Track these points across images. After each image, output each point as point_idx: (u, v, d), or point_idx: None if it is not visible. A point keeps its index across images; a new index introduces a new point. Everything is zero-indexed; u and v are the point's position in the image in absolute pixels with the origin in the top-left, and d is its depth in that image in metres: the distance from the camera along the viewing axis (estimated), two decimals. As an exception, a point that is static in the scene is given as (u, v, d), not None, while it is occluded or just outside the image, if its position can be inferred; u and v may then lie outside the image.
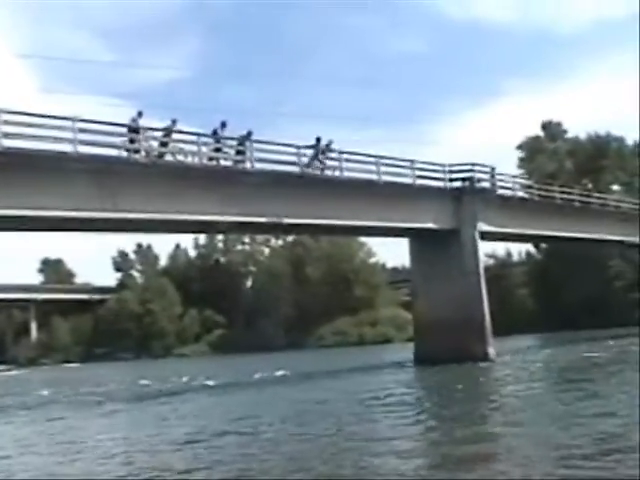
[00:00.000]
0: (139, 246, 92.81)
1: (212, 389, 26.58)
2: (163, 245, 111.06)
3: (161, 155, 24.40)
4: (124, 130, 23.41)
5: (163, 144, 24.58)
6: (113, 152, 23.26)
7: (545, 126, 76.06)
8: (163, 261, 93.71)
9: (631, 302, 64.77)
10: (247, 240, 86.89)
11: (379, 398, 18.28)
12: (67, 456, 11.97)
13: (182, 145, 25.07)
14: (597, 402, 14.27)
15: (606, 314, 60.24)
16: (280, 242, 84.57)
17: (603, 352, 29.67)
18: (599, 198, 44.06)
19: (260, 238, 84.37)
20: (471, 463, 9.14)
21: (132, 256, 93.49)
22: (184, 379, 31.73)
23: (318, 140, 28.26)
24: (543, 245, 69.63)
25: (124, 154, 23.45)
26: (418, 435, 12.16)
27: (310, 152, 28.13)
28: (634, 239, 44.88)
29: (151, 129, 24.57)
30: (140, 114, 23.69)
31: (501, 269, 76.48)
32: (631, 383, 17.66)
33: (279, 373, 31.34)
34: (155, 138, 24.67)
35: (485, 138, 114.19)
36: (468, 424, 12.44)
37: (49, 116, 21.45)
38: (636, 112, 65.74)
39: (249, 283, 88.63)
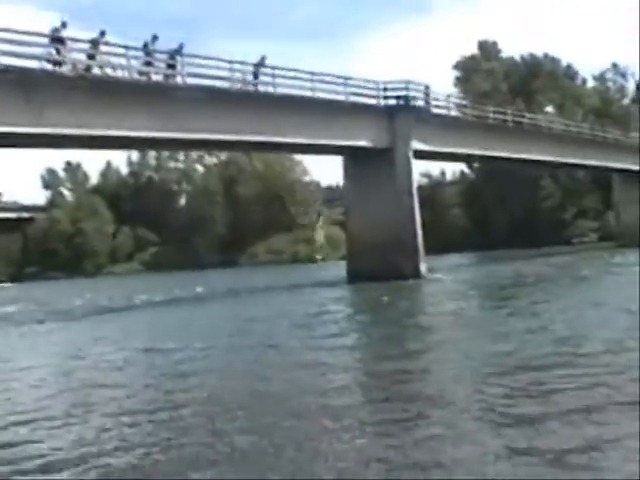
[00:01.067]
0: (68, 164, 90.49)
1: (149, 306, 26.48)
2: (93, 163, 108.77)
3: (88, 68, 23.49)
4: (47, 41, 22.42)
5: (90, 57, 23.65)
6: (36, 64, 22.26)
7: (482, 46, 76.02)
8: (94, 179, 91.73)
9: (559, 222, 66.65)
10: (181, 158, 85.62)
11: (311, 315, 18.46)
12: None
13: (110, 58, 24.19)
14: (526, 319, 14.60)
15: (536, 233, 61.83)
16: (214, 160, 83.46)
17: (532, 269, 30.43)
18: (531, 119, 44.48)
19: (194, 155, 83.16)
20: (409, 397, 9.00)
21: (61, 174, 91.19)
22: (122, 297, 31.09)
23: (263, 59, 27.85)
24: (477, 165, 70.42)
25: (49, 67, 22.49)
26: (349, 358, 12.20)
27: (243, 68, 27.76)
28: (566, 160, 45.64)
29: (76, 40, 23.59)
30: (64, 25, 22.61)
31: (435, 188, 77.32)
32: (559, 299, 18.20)
33: (198, 290, 32.03)
34: (82, 50, 23.71)
35: (419, 57, 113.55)
36: (400, 350, 12.18)
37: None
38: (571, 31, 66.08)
39: (183, 201, 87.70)
